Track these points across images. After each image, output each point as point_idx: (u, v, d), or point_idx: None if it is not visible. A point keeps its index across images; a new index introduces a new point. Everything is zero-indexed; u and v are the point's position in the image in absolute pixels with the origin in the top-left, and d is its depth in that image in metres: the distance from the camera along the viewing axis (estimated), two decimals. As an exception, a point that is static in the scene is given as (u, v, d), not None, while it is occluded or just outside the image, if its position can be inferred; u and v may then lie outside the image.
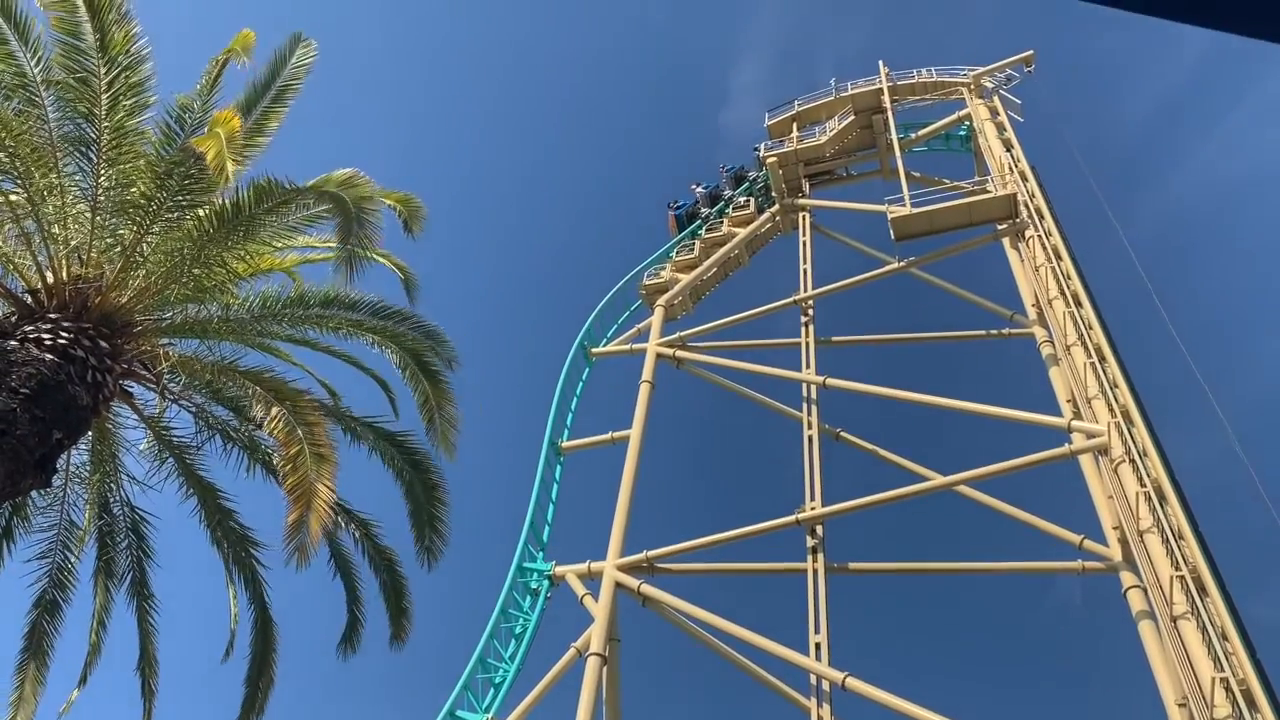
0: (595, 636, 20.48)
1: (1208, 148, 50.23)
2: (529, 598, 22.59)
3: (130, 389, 14.89)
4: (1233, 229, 47.18)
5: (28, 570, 15.89)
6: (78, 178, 14.03)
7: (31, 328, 13.01)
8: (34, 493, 14.55)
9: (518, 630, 21.89)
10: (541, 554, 23.58)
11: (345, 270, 13.88)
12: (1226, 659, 14.51)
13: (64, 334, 12.96)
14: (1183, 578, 15.78)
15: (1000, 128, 30.13)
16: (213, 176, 12.70)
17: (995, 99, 31.52)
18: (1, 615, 16.80)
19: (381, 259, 17.18)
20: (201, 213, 13.89)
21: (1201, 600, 15.45)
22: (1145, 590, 17.84)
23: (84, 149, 13.82)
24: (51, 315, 13.29)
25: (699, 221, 33.97)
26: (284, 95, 15.42)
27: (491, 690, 20.72)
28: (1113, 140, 48.93)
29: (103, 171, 13.82)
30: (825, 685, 19.49)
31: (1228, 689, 14.14)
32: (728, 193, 34.56)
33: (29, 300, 13.73)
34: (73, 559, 16.22)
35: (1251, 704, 13.99)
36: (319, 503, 13.15)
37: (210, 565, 16.76)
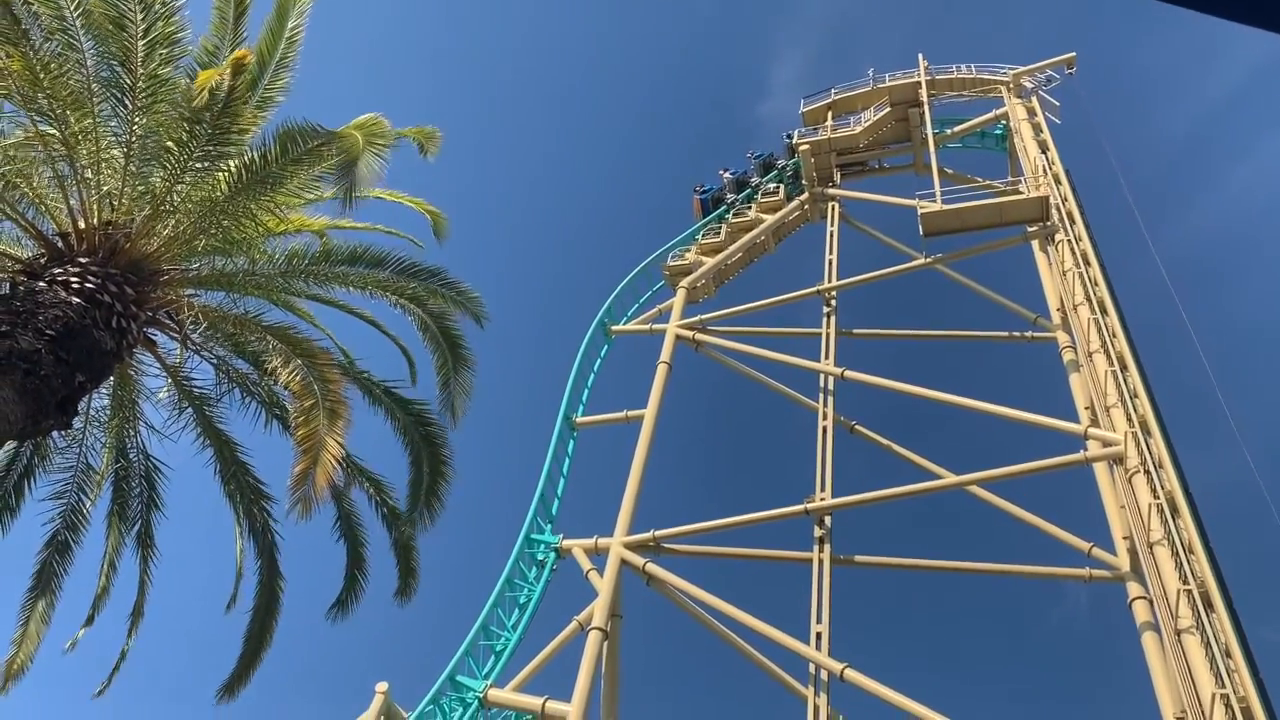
0: (598, 611, 20.60)
1: (1244, 168, 49.63)
2: (535, 569, 22.72)
3: (154, 337, 15.03)
4: (1263, 252, 46.68)
5: (40, 510, 16.13)
6: (112, 124, 14.10)
7: (60, 270, 13.13)
8: (54, 434, 14.73)
9: (522, 600, 22.03)
10: (549, 526, 23.70)
11: (346, 203, 13.94)
12: (1228, 676, 14.46)
13: (91, 279, 13.07)
14: (1190, 592, 15.71)
15: (1037, 129, 29.83)
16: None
17: (1034, 99, 31.20)
18: (17, 556, 17.02)
19: (411, 203, 17.23)
20: (231, 163, 13.96)
21: (1207, 616, 15.38)
22: (1151, 602, 17.78)
23: (119, 95, 13.87)
24: (80, 259, 13.40)
25: (724, 207, 33.83)
26: (294, 37, 15.29)
27: (492, 658, 20.88)
28: (1149, 151, 48.38)
29: (137, 118, 13.88)
30: (824, 675, 19.54)
31: (1227, 705, 14.10)
32: (755, 179, 34.39)
33: (59, 243, 13.85)
34: (87, 502, 16.40)
35: (1251, 722, 13.96)
36: (327, 456, 13.23)
37: (219, 519, 16.96)
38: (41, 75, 13.03)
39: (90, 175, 13.95)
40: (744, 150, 36.25)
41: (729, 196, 34.07)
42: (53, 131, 13.61)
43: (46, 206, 14.11)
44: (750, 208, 33.22)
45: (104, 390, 15.40)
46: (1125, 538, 19.71)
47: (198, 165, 14.10)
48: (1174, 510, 17.32)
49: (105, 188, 14.06)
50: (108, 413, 16.03)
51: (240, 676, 16.66)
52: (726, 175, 34.67)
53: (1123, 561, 19.78)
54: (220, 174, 14.23)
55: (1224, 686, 14.30)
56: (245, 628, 16.71)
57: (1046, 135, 29.40)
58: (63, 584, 16.53)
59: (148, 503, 16.61)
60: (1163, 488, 17.74)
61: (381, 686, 22.90)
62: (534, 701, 19.85)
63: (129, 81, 13.79)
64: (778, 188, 33.55)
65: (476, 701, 19.92)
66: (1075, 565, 20.84)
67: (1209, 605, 15.61)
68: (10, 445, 15.29)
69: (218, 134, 13.85)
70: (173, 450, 16.37)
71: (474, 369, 17.13)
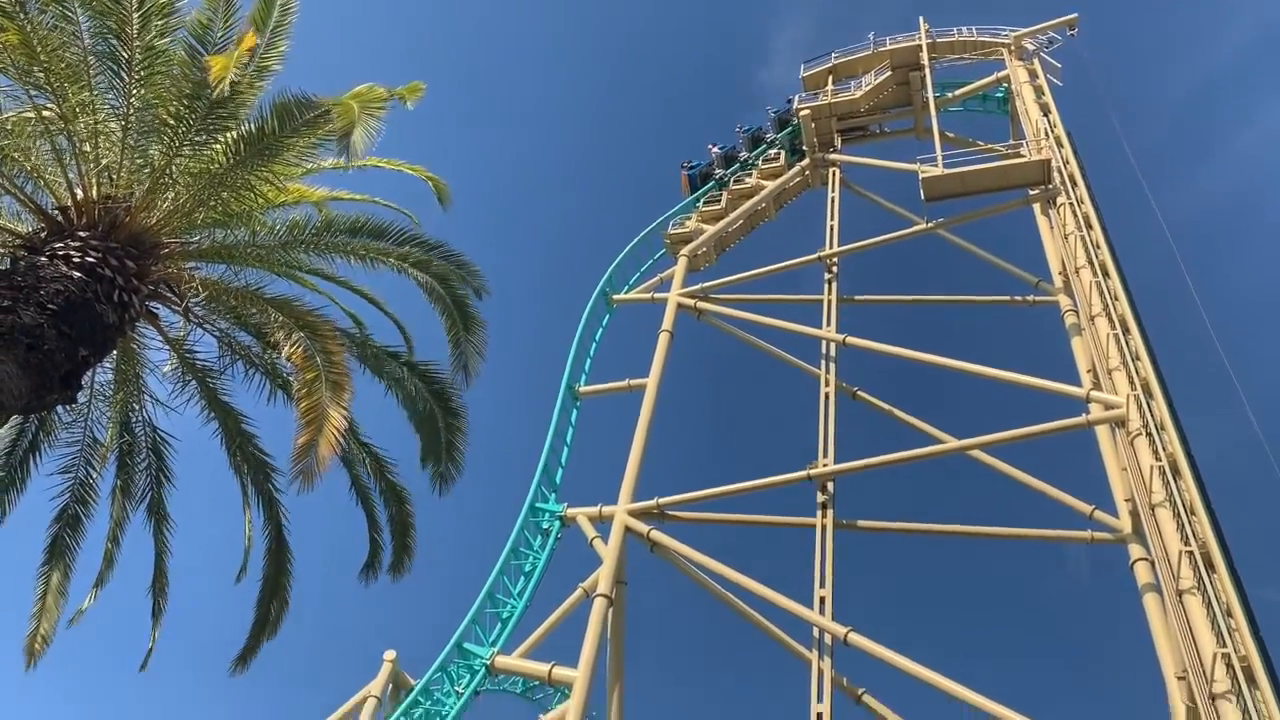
0: (603, 578, 20.74)
1: (1249, 131, 49.31)
2: (540, 537, 22.85)
3: (156, 310, 15.03)
4: (1267, 216, 46.46)
5: (51, 484, 16.22)
6: (109, 96, 14.03)
7: (61, 245, 13.11)
8: (60, 408, 14.78)
9: (527, 568, 22.18)
10: (554, 495, 23.81)
11: (346, 165, 13.94)
12: (1229, 635, 14.55)
13: (92, 252, 13.05)
14: (1191, 553, 15.78)
15: (1039, 91, 29.64)
16: (215, 91, 12.73)
17: (1035, 62, 30.97)
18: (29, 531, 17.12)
19: (412, 170, 17.20)
20: (230, 135, 13.91)
21: (1208, 576, 15.46)
22: (1153, 564, 17.89)
23: (115, 67, 13.79)
24: (80, 233, 13.38)
25: (713, 182, 33.51)
26: (288, 4, 15.17)
27: (499, 625, 21.06)
28: (1152, 114, 48.11)
29: (134, 91, 13.81)
30: (828, 639, 19.69)
31: (1229, 665, 14.19)
32: (744, 154, 34.05)
33: (59, 217, 13.83)
34: (94, 475, 16.48)
35: (1251, 680, 14.05)
36: (330, 427, 13.27)
37: (225, 491, 17.04)
38: (38, 48, 12.94)
39: (88, 149, 13.90)
40: (744, 116, 35.97)
41: (718, 172, 33.69)
42: (50, 105, 13.55)
43: (45, 181, 14.08)
44: (750, 174, 33.05)
45: (107, 364, 15.43)
46: (1127, 500, 19.80)
47: (196, 138, 14.06)
48: (1176, 472, 17.37)
49: (104, 161, 14.02)
50: (112, 387, 16.07)
51: (252, 647, 16.85)
52: (715, 150, 34.25)
53: (1124, 524, 19.88)
54: (218, 146, 14.18)
55: (1225, 646, 14.39)
56: (256, 598, 16.88)
57: (1048, 98, 29.22)
58: (75, 558, 16.65)
59: (157, 474, 16.69)
60: (1165, 450, 17.78)
61: (389, 655, 23.13)
62: (540, 667, 20.05)
63: (125, 54, 13.70)
64: (778, 153, 33.37)
65: (484, 668, 20.13)
66: (1077, 528, 20.92)
67: (1210, 566, 15.69)
68: (15, 420, 15.36)
69: (215, 107, 13.80)
70: (177, 423, 16.46)
71: (484, 330, 17.20)
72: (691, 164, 34.22)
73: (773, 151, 33.67)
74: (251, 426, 16.40)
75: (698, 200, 32.92)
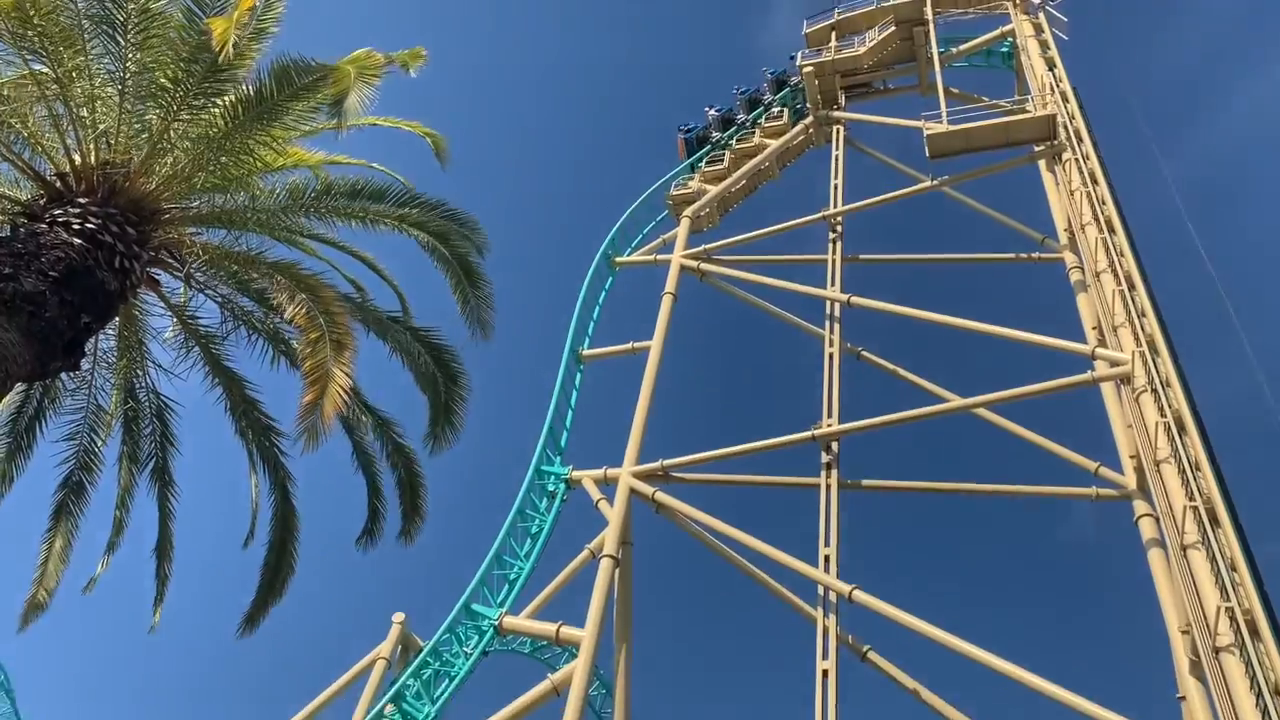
0: (609, 539, 20.84)
1: (1257, 86, 48.76)
2: (545, 499, 22.95)
3: (157, 276, 15.00)
4: (1274, 170, 46.06)
5: (56, 451, 16.29)
6: (105, 61, 13.91)
7: (60, 211, 13.05)
8: (63, 376, 14.80)
9: (534, 530, 22.30)
10: (559, 458, 23.88)
11: (340, 127, 13.86)
12: (1233, 589, 14.58)
13: (92, 219, 13.00)
14: (1196, 508, 15.77)
15: (1044, 46, 29.25)
16: (220, 55, 12.58)
17: (1040, 15, 30.52)
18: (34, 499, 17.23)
19: (410, 127, 17.10)
20: (228, 99, 13.80)
21: (1213, 531, 15.47)
22: (1157, 519, 17.93)
23: (111, 30, 13.65)
24: (80, 200, 13.32)
25: (709, 146, 33.15)
26: None
27: (506, 586, 21.21)
28: (1159, 69, 47.57)
29: (130, 55, 13.68)
30: (832, 597, 19.78)
31: (1232, 618, 14.24)
32: (741, 116, 33.69)
33: (58, 184, 13.76)
34: (99, 442, 16.55)
35: (1255, 633, 14.10)
36: (334, 387, 13.28)
37: (232, 459, 17.11)
38: (31, 11, 12.81)
39: (85, 114, 13.81)
40: (746, 76, 35.60)
41: (714, 135, 33.31)
42: (45, 70, 13.43)
43: (43, 147, 14.00)
44: (754, 133, 32.78)
45: (110, 331, 15.43)
46: (1132, 457, 19.81)
47: (194, 102, 13.93)
48: (1181, 428, 17.33)
49: (101, 127, 13.92)
50: (115, 354, 16.08)
51: (260, 609, 16.99)
52: (712, 113, 33.84)
53: (1129, 480, 19.91)
54: (216, 110, 14.07)
55: (1229, 599, 14.43)
56: (262, 561, 16.99)
57: (1054, 52, 28.83)
58: (79, 524, 16.76)
59: (161, 440, 16.75)
60: (1170, 406, 17.74)
61: (398, 617, 23.39)
62: (548, 628, 20.21)
63: (120, 16, 13.56)
64: (781, 111, 33.06)
65: (492, 629, 20.30)
66: (1082, 485, 20.97)
67: (1215, 521, 15.69)
68: (20, 388, 15.39)
69: (213, 70, 13.67)
70: (181, 389, 16.48)
71: (489, 286, 17.17)
72: (688, 127, 33.83)
73: (776, 110, 33.36)
74: (255, 393, 16.45)
75: (696, 163, 32.65)
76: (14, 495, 16.59)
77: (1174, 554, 16.17)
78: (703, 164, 32.37)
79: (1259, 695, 13.31)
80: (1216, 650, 14.12)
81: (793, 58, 33.61)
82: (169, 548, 17.25)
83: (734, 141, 32.83)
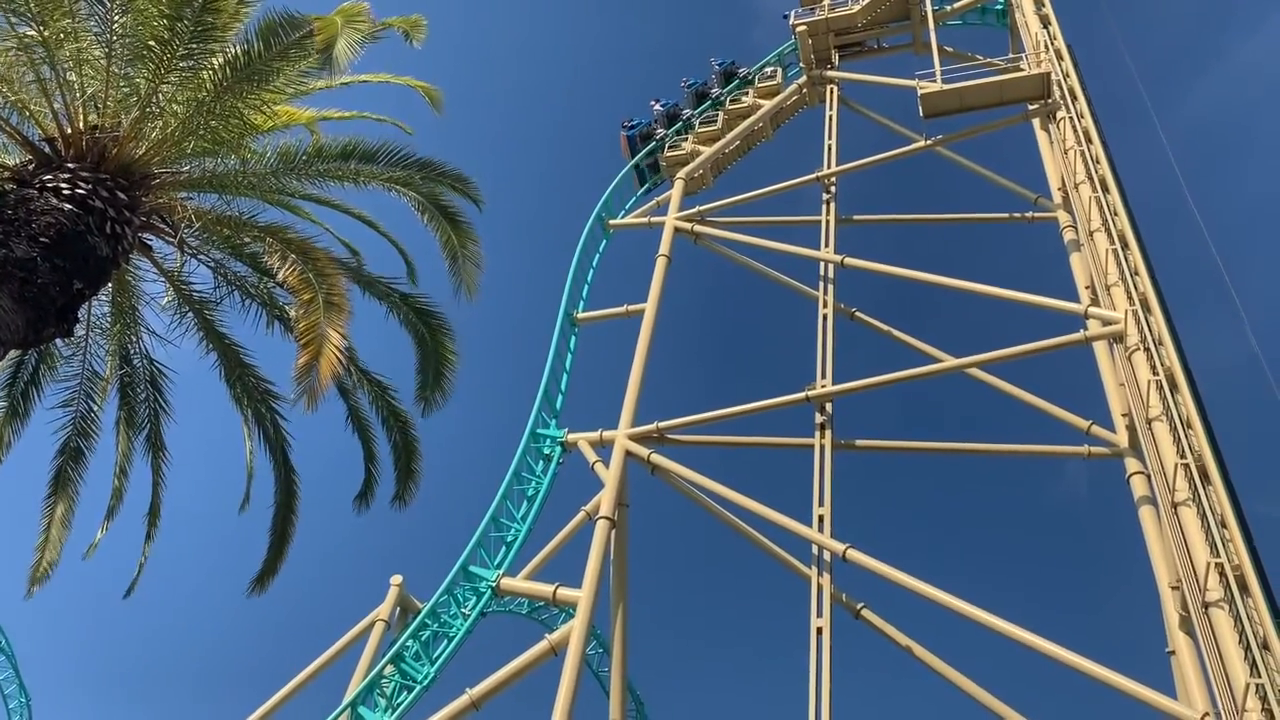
0: (605, 501, 20.95)
1: (1253, 41, 48.46)
2: (541, 462, 23.01)
3: (149, 242, 14.93)
4: (1270, 127, 45.89)
5: (54, 418, 16.31)
6: (91, 23, 13.75)
7: (50, 177, 12.97)
8: (58, 342, 14.78)
9: (530, 492, 22.38)
10: (555, 421, 23.92)
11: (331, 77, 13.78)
12: (1223, 545, 14.75)
13: (82, 184, 12.92)
14: (1187, 466, 15.92)
15: (1038, 3, 29.02)
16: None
17: (1036, -29, 30.25)
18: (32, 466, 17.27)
19: (402, 81, 16.99)
20: (216, 60, 13.67)
21: (1204, 488, 15.62)
22: (1149, 477, 18.05)
23: (96, -8, 13.48)
24: (69, 165, 13.23)
25: (654, 143, 32.05)
26: None
27: (503, 548, 21.32)
28: (1154, 25, 47.21)
29: (116, 17, 13.53)
30: (826, 556, 19.95)
31: (1221, 574, 14.42)
32: (687, 112, 32.77)
33: (46, 149, 13.65)
34: (96, 408, 16.57)
35: (1244, 589, 14.29)
36: (330, 348, 13.31)
37: (229, 427, 17.16)
38: (15, -28, 12.65)
39: (73, 78, 13.67)
40: (740, 37, 35.17)
41: (659, 132, 32.21)
42: (31, 33, 13.27)
43: (31, 112, 13.86)
44: (747, 93, 32.52)
45: (103, 297, 15.39)
46: (1124, 415, 19.92)
47: (182, 64, 13.79)
48: (1173, 386, 17.45)
49: (89, 90, 13.79)
50: (109, 319, 16.05)
51: (269, 570, 17.18)
52: (657, 107, 32.70)
53: (1121, 438, 20.04)
54: (205, 72, 13.93)
55: (1219, 556, 14.61)
56: (270, 523, 17.11)
57: (1048, 9, 28.62)
58: (79, 490, 16.83)
59: (155, 406, 16.77)
60: (1162, 364, 17.83)
61: (396, 579, 23.55)
62: (545, 589, 20.36)
63: (105, -23, 13.39)
64: (775, 71, 32.82)
65: (489, 590, 20.43)
66: (1074, 443, 21.09)
67: (1206, 478, 15.84)
68: (14, 354, 15.37)
69: (201, 30, 13.52)
70: (177, 356, 16.49)
71: (479, 245, 17.12)
72: (631, 123, 32.53)
73: (769, 69, 33.10)
74: (250, 359, 16.46)
75: (640, 163, 31.65)
76: (11, 468, 16.66)
77: (1165, 511, 16.33)
78: (697, 125, 32.00)
79: (1247, 649, 13.52)
80: (1206, 605, 14.31)
81: (786, 16, 33.24)
82: (158, 514, 17.35)
83: (728, 101, 32.53)
